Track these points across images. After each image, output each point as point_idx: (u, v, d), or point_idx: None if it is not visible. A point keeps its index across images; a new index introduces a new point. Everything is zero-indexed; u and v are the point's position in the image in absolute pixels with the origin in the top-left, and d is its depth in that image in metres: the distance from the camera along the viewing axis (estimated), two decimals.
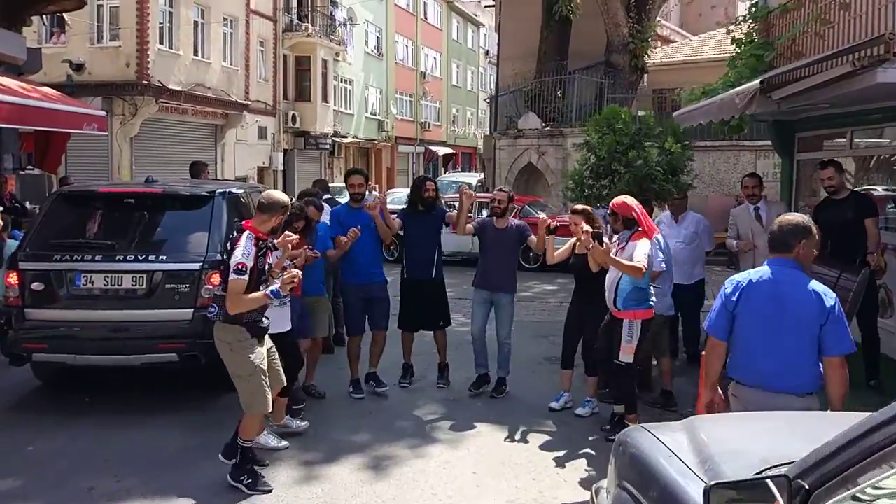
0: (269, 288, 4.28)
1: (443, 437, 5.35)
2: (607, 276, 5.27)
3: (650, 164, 6.22)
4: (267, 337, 4.54)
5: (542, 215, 5.93)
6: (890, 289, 6.44)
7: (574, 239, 5.66)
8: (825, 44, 6.93)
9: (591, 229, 5.27)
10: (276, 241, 4.53)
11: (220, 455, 4.48)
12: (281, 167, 25.69)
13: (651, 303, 5.23)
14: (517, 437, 5.36)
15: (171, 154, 19.14)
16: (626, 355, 5.14)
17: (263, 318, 4.42)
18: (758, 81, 5.77)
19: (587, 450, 5.13)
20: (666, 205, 7.11)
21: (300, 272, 4.46)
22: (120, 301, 5.53)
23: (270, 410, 4.53)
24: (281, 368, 4.66)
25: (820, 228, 5.83)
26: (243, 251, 4.18)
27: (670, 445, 2.48)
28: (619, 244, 5.21)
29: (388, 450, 5.08)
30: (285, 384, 4.79)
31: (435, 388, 6.45)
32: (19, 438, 5.12)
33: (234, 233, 4.48)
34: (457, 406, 6.02)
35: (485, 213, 14.49)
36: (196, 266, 5.46)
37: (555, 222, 5.82)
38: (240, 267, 4.15)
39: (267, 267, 4.40)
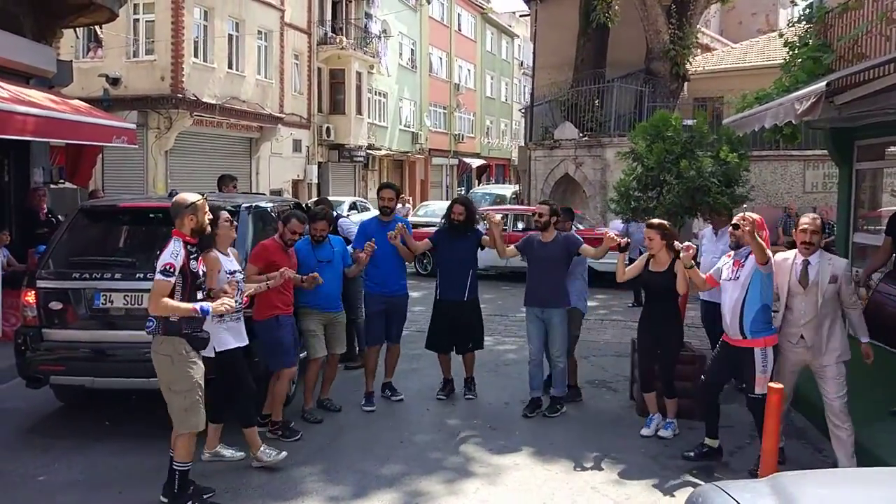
0: (201, 304, 4.12)
1: (479, 471, 4.95)
2: (725, 299, 4.88)
3: (703, 175, 5.77)
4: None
5: (611, 232, 5.65)
6: None
7: (647, 254, 5.47)
8: (892, 44, 6.45)
9: (691, 245, 5.09)
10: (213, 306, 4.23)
11: (160, 497, 4.29)
12: (315, 180, 25.64)
13: (774, 329, 4.84)
14: (558, 470, 4.95)
15: (206, 167, 19.14)
16: (761, 387, 4.64)
17: (202, 330, 4.25)
18: (823, 84, 5.29)
19: (636, 488, 4.68)
20: (708, 220, 6.70)
21: (231, 302, 4.34)
22: (141, 321, 5.17)
23: (203, 429, 4.37)
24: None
25: (893, 243, 5.42)
26: (171, 251, 4.06)
27: None
28: (735, 260, 4.88)
29: (421, 485, 4.70)
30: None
31: (470, 416, 6.07)
32: (31, 465, 4.87)
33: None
34: (494, 435, 5.61)
35: (520, 224, 14.21)
36: None
37: (625, 239, 5.54)
38: (167, 267, 4.02)
39: (201, 273, 4.25)
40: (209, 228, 4.37)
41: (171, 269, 4.01)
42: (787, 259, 4.74)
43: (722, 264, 5.02)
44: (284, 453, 4.89)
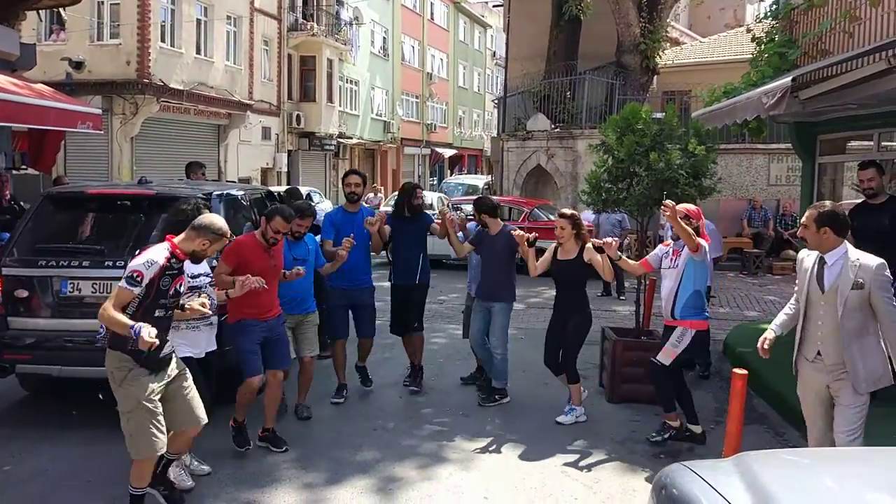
0: (136, 326, 3.50)
1: (452, 457, 5.00)
2: (663, 286, 5.13)
3: (672, 167, 5.88)
4: (182, 367, 3.97)
5: (519, 231, 5.77)
6: None
7: (554, 245, 5.64)
8: (854, 42, 6.62)
9: (610, 240, 5.18)
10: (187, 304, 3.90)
11: None
12: (285, 168, 25.40)
13: (707, 314, 5.12)
14: (531, 456, 5.02)
15: (173, 154, 18.82)
16: (665, 357, 5.05)
17: (164, 348, 3.79)
18: (789, 79, 5.44)
19: (606, 472, 4.79)
20: None
21: (156, 341, 3.60)
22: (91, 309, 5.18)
23: (160, 454, 3.85)
24: (198, 405, 4.01)
25: (853, 234, 5.53)
26: (146, 260, 3.64)
27: (724, 492, 2.13)
28: (674, 249, 5.10)
29: (395, 470, 4.74)
30: (202, 423, 4.04)
31: (443, 403, 6.12)
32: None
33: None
34: (466, 422, 5.68)
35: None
36: None
37: (534, 234, 5.66)
38: (134, 275, 3.59)
39: (173, 291, 3.79)
40: (205, 258, 4.01)
41: (139, 279, 3.60)
42: (809, 257, 3.98)
43: (661, 252, 5.22)
44: (207, 469, 4.56)
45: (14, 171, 9.10)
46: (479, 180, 26.63)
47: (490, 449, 5.15)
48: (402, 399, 6.22)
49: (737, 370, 4.01)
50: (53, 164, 10.65)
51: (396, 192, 6.88)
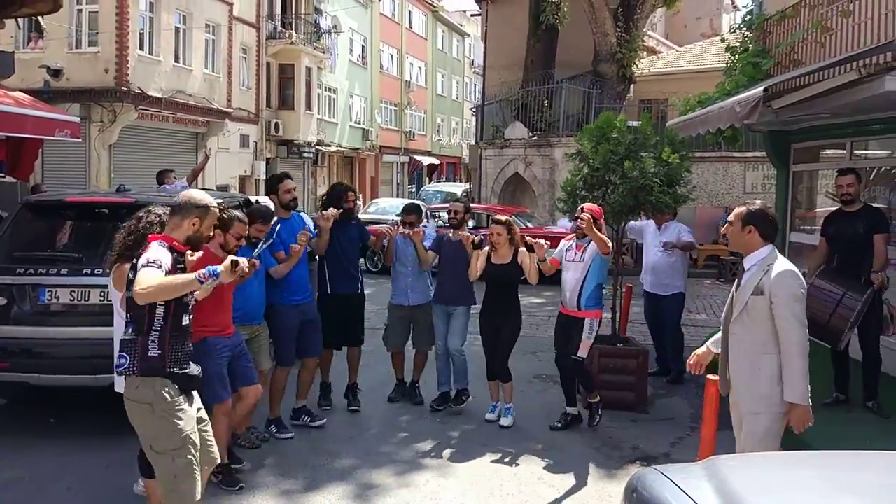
0: (207, 268, 3.06)
1: (430, 464, 5.03)
2: (568, 277, 5.58)
3: (647, 175, 5.97)
4: (196, 395, 3.44)
5: (465, 233, 5.93)
6: (893, 305, 6.24)
7: (486, 251, 5.77)
8: (826, 52, 6.78)
9: (542, 242, 5.46)
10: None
11: None
12: (264, 176, 25.24)
13: (603, 304, 5.65)
14: (507, 463, 5.06)
15: (151, 162, 18.55)
16: (584, 350, 5.54)
17: (191, 365, 3.32)
18: (761, 89, 5.56)
19: (582, 478, 4.84)
20: (650, 216, 7.03)
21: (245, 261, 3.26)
22: (87, 318, 5.16)
23: (198, 499, 3.30)
24: (214, 440, 3.56)
25: (828, 241, 5.67)
26: (154, 252, 3.14)
27: (693, 495, 2.19)
28: (577, 244, 5.61)
29: (372, 477, 4.76)
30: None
31: (419, 410, 6.15)
32: None
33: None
34: (444, 429, 5.71)
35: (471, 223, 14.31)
36: None
37: (479, 236, 5.92)
38: (151, 260, 3.07)
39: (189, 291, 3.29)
40: (209, 238, 3.56)
41: (158, 262, 3.08)
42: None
43: (565, 247, 5.69)
44: None
45: None
46: (458, 188, 26.70)
47: (467, 456, 5.16)
48: (378, 407, 6.21)
49: (710, 376, 3.94)
50: (31, 171, 10.54)
51: (325, 192, 6.35)
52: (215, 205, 3.44)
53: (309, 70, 26.80)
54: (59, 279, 5.16)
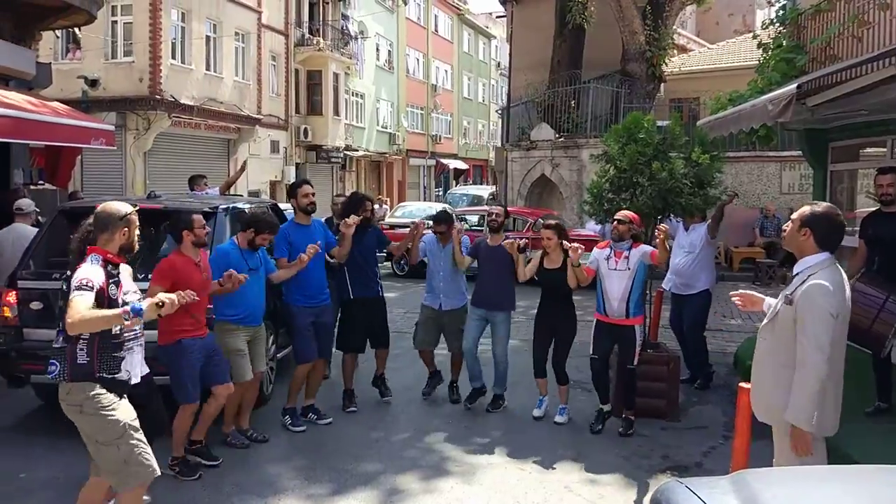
0: (131, 304, 3.31)
1: (454, 469, 4.99)
2: (612, 286, 5.48)
3: (676, 177, 5.86)
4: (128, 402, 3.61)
5: (509, 238, 5.97)
6: None
7: (540, 253, 5.78)
8: (863, 46, 6.61)
9: (578, 246, 5.44)
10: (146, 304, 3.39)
11: None
12: (293, 181, 25.51)
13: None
14: (532, 469, 5.00)
15: (184, 168, 18.91)
16: (637, 358, 5.55)
17: (122, 370, 3.49)
18: (794, 86, 5.42)
19: (610, 487, 4.75)
20: (679, 220, 6.91)
21: (173, 296, 3.43)
22: None
23: (158, 474, 3.57)
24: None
25: (866, 243, 5.51)
26: (87, 269, 3.34)
27: None
28: (616, 251, 5.50)
29: (397, 482, 4.75)
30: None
31: (445, 413, 6.15)
32: (13, 464, 4.87)
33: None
34: (468, 433, 5.68)
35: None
36: None
37: (523, 240, 5.91)
38: (84, 283, 3.27)
39: (122, 301, 3.43)
40: (137, 246, 3.67)
41: (90, 285, 3.28)
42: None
43: (601, 256, 5.59)
44: None
45: (32, 187, 9.24)
46: (484, 190, 26.66)
47: (492, 462, 5.11)
48: (402, 410, 6.21)
49: (743, 384, 3.79)
50: (69, 179, 10.81)
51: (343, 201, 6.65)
52: (133, 210, 3.62)
53: (336, 76, 27.01)
54: None
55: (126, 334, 3.52)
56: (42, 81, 10.06)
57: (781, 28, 8.53)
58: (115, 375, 3.46)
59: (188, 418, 4.71)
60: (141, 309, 3.28)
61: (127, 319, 3.27)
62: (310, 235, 5.56)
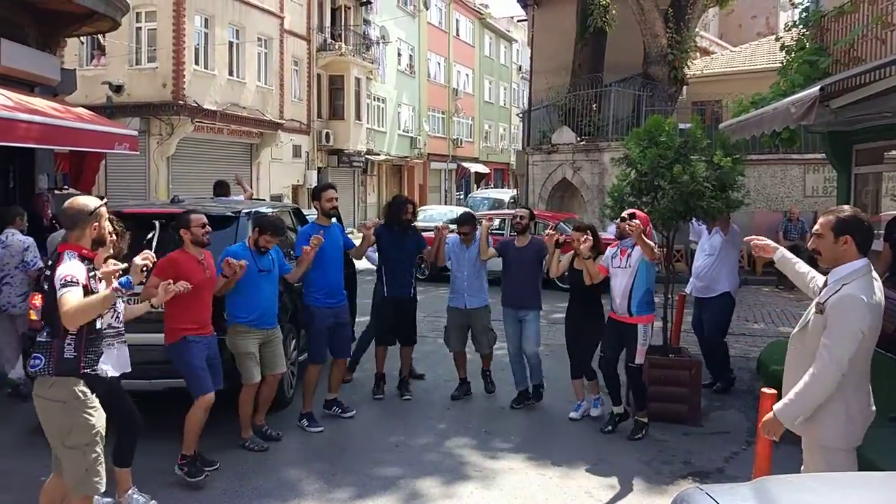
0: (118, 280, 3.36)
1: (474, 474, 4.98)
2: (616, 283, 5.56)
3: (697, 180, 5.81)
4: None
5: (549, 231, 6.12)
6: None
7: (572, 252, 5.86)
8: (887, 48, 6.52)
9: (589, 238, 5.60)
10: (99, 273, 3.52)
11: None
12: (318, 184, 25.67)
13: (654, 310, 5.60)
14: (552, 474, 4.97)
15: (207, 173, 19.19)
16: (641, 357, 5.53)
17: (99, 366, 3.54)
18: (817, 88, 5.35)
19: (629, 493, 4.70)
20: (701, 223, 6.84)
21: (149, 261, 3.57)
22: (143, 324, 5.26)
23: (103, 490, 3.57)
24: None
25: (891, 247, 5.42)
26: (68, 266, 3.33)
27: None
28: (621, 249, 5.59)
29: (417, 487, 4.75)
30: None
31: (465, 417, 6.14)
32: (35, 465, 4.85)
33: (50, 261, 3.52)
34: (489, 438, 5.66)
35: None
36: None
37: (562, 237, 6.00)
38: (69, 279, 3.27)
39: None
40: (109, 238, 3.69)
41: (75, 281, 3.28)
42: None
43: (610, 254, 5.70)
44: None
45: (56, 192, 9.39)
46: (505, 194, 26.64)
47: (512, 467, 5.09)
48: (422, 414, 6.21)
49: (765, 390, 3.71)
50: (93, 184, 10.96)
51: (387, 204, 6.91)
52: (101, 203, 3.62)
53: (358, 80, 27.16)
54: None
55: (107, 331, 3.61)
56: (67, 87, 10.23)
57: (804, 30, 8.44)
58: (94, 370, 3.51)
59: (202, 413, 4.71)
60: (129, 281, 3.41)
61: (119, 295, 3.34)
62: (327, 236, 5.68)
